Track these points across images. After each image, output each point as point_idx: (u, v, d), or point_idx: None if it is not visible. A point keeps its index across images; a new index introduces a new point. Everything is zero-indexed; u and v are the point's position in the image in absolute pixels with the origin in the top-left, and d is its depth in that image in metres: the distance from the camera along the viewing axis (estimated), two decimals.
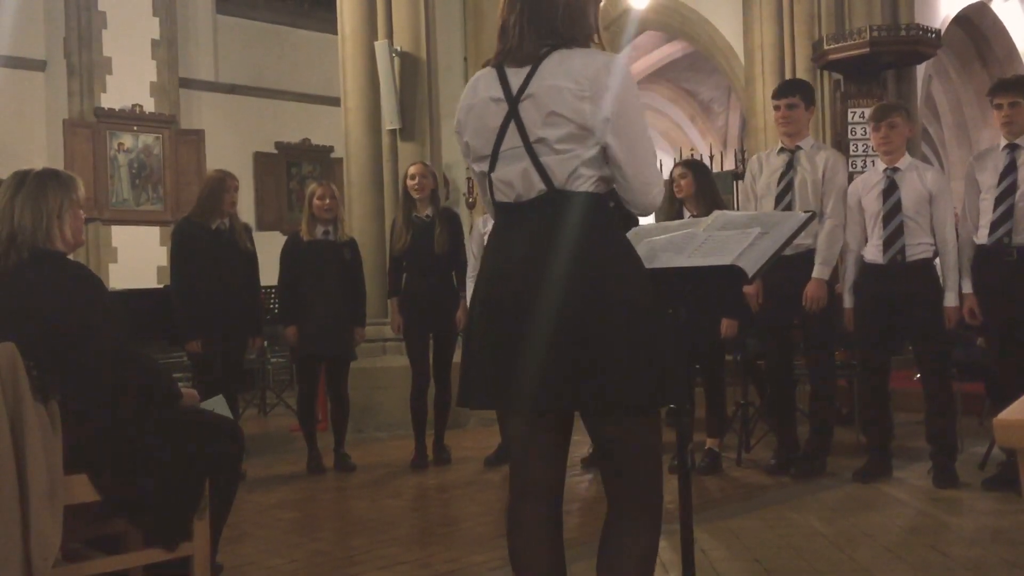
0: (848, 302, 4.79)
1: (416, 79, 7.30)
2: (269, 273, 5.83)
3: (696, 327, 4.80)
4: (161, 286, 8.86)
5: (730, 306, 5.03)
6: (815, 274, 4.73)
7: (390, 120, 7.23)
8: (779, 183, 4.86)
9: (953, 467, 4.56)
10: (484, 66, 2.21)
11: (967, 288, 4.53)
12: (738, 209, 7.77)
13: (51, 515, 2.53)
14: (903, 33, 8.11)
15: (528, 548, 2.15)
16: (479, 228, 5.57)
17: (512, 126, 2.09)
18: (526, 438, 2.18)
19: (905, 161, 4.70)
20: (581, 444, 5.50)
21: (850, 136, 8.12)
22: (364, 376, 6.71)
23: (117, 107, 10.79)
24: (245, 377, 7.34)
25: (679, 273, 2.35)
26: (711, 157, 9.78)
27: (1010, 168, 4.40)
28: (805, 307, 4.73)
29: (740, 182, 8.25)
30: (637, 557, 2.08)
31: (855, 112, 8.10)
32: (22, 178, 2.87)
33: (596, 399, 2.03)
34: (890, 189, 4.65)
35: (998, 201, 4.39)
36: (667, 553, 3.32)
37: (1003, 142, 4.48)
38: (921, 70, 9.13)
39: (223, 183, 5.39)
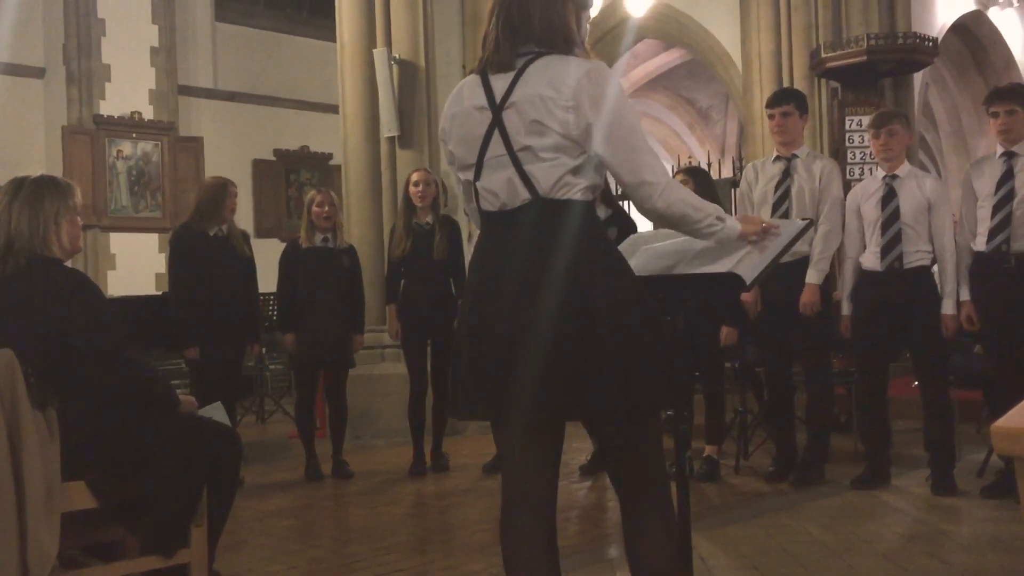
0: (846, 309, 4.80)
1: (414, 87, 7.31)
2: (267, 280, 5.83)
3: (695, 334, 4.83)
4: (159, 293, 8.86)
5: (729, 314, 5.03)
6: (808, 279, 4.73)
7: (388, 127, 7.24)
8: (776, 191, 4.87)
9: (951, 475, 4.56)
10: (470, 73, 2.21)
11: (965, 295, 4.54)
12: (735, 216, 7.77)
13: (48, 522, 2.53)
14: (900, 41, 8.12)
15: (522, 556, 2.15)
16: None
17: (496, 134, 2.09)
18: (517, 447, 2.18)
19: (904, 169, 4.71)
20: (579, 451, 5.50)
21: (848, 144, 8.13)
22: (362, 383, 6.70)
23: (116, 114, 10.80)
24: (243, 384, 7.32)
25: (677, 281, 2.35)
26: (708, 164, 9.79)
27: (1007, 176, 4.41)
28: (800, 312, 4.74)
29: (737, 190, 8.25)
30: (659, 554, 2.11)
31: (852, 120, 8.11)
32: (19, 184, 2.87)
33: (581, 408, 2.04)
34: (889, 196, 4.66)
35: (996, 209, 4.40)
36: None
37: (1000, 150, 4.49)
38: (918, 78, 9.15)
39: (224, 190, 5.39)
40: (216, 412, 3.21)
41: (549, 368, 2.00)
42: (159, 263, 10.58)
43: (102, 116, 10.70)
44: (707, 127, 15.86)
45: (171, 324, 5.35)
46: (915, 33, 8.29)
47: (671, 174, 5.86)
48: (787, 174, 4.87)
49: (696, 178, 5.28)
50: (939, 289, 4.63)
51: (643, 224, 5.10)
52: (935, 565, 3.41)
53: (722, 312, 5.05)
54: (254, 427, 8.17)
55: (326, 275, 5.56)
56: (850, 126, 8.13)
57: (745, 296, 4.75)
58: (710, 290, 2.56)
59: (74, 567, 2.79)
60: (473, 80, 2.17)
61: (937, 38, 8.88)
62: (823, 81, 8.37)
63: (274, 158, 12.31)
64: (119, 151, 10.89)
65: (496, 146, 2.09)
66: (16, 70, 10.30)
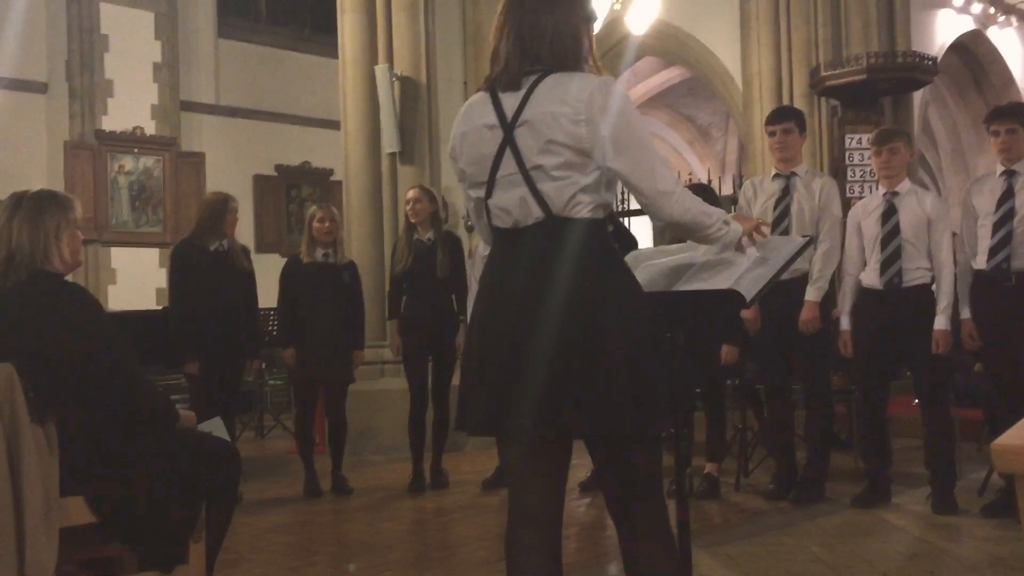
0: (844, 324, 4.78)
1: (416, 103, 7.34)
2: (268, 295, 5.84)
3: (695, 351, 4.83)
4: (160, 308, 8.86)
5: (730, 332, 5.04)
6: (808, 296, 4.74)
7: (390, 144, 7.25)
8: (776, 209, 4.88)
9: (952, 493, 4.54)
10: (477, 91, 2.21)
11: (965, 314, 4.54)
12: None
13: (46, 537, 2.52)
14: (900, 60, 8.17)
15: (526, 572, 2.14)
16: (480, 252, 5.58)
17: (508, 153, 2.09)
18: (524, 464, 2.18)
19: (905, 186, 4.72)
20: (579, 468, 5.49)
21: (847, 162, 8.16)
22: (362, 399, 6.69)
23: (118, 129, 10.83)
24: (243, 399, 7.32)
25: (677, 297, 2.36)
26: (709, 182, 9.81)
27: (1008, 194, 4.42)
28: (800, 330, 4.74)
29: (737, 206, 8.27)
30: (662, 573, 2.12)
31: (852, 138, 8.14)
32: (19, 199, 2.87)
33: (589, 427, 2.04)
34: (889, 212, 4.67)
35: (996, 227, 4.41)
36: None
37: (1000, 168, 4.50)
38: (918, 97, 9.19)
39: (225, 205, 5.40)
40: (215, 427, 3.20)
41: (559, 386, 2.01)
42: (160, 278, 10.58)
43: (104, 131, 10.73)
44: (707, 144, 15.91)
45: (171, 339, 5.35)
46: (915, 52, 8.34)
47: None
48: (787, 192, 4.88)
49: (697, 195, 5.28)
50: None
51: (643, 241, 5.12)
52: None
53: (722, 330, 5.05)
54: (253, 442, 8.15)
55: (326, 290, 5.56)
56: (850, 144, 8.16)
57: (746, 313, 4.75)
58: (710, 307, 2.56)
59: None
60: (482, 98, 2.16)
61: (937, 57, 8.93)
62: (823, 99, 8.41)
63: (275, 174, 12.33)
64: (121, 166, 10.91)
65: (508, 164, 2.09)
66: (19, 85, 10.34)
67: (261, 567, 4.01)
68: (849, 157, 8.16)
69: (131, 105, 10.91)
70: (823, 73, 8.15)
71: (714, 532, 4.35)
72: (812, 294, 4.74)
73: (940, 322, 4.51)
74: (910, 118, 8.76)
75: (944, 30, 10.81)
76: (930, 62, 8.37)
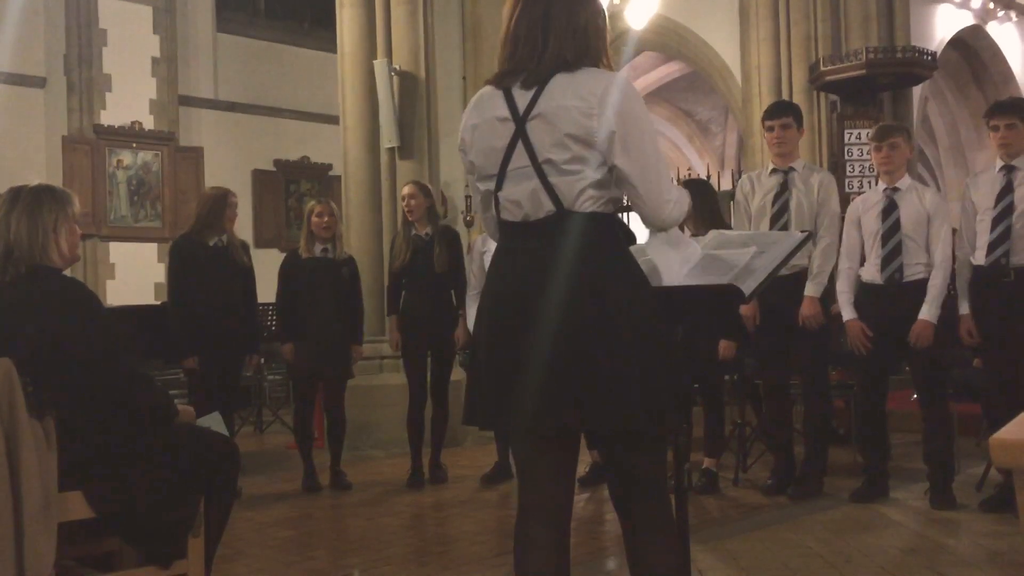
0: (848, 315, 4.73)
1: (415, 98, 7.33)
2: (267, 290, 5.83)
3: (694, 346, 4.84)
4: (158, 303, 8.86)
5: (728, 327, 5.04)
6: (808, 291, 4.73)
7: (389, 138, 7.25)
8: (774, 204, 4.87)
9: (950, 488, 4.55)
10: (487, 83, 2.19)
11: (964, 309, 4.54)
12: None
13: (45, 532, 2.52)
14: (899, 55, 8.16)
15: (536, 567, 2.15)
16: (478, 247, 5.58)
17: (520, 145, 2.08)
18: (533, 458, 2.19)
19: (905, 182, 4.72)
20: (579, 463, 5.49)
21: (847, 157, 8.16)
22: (361, 394, 6.70)
23: (116, 124, 10.82)
24: (242, 394, 7.32)
25: (676, 292, 2.35)
26: (708, 176, 9.82)
27: (1007, 189, 4.42)
28: (801, 325, 4.74)
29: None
30: (664, 569, 2.12)
31: (852, 133, 8.14)
32: (17, 193, 2.87)
33: (596, 423, 2.04)
34: (890, 208, 4.66)
35: (995, 222, 4.41)
36: None
37: (999, 163, 4.50)
38: (917, 92, 9.19)
39: (224, 199, 5.40)
40: (214, 422, 3.20)
41: (568, 382, 2.01)
42: (158, 273, 10.58)
43: (102, 126, 10.71)
44: (706, 139, 15.90)
45: (170, 334, 5.35)
46: (914, 47, 8.33)
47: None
48: (785, 187, 4.88)
49: (692, 191, 5.28)
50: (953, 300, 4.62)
51: (640, 235, 5.12)
52: None
53: (720, 325, 5.05)
54: (252, 437, 8.15)
55: (325, 285, 5.56)
56: (849, 139, 8.16)
57: (745, 308, 4.75)
58: (709, 302, 2.56)
59: None
60: (493, 91, 2.15)
61: (936, 52, 8.92)
62: (822, 94, 8.41)
63: (274, 168, 12.32)
64: (119, 161, 10.90)
65: (520, 157, 2.08)
66: (17, 80, 10.32)
67: (260, 562, 4.02)
68: (848, 152, 8.17)
69: (129, 100, 10.90)
70: (822, 68, 8.14)
71: (712, 527, 4.36)
72: (812, 289, 4.74)
73: (924, 312, 4.49)
74: (909, 113, 8.75)
75: (944, 25, 10.80)
76: (929, 57, 8.36)
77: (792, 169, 4.90)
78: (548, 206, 2.07)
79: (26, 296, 2.77)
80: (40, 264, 2.81)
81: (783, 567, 3.60)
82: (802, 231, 3.04)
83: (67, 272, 2.97)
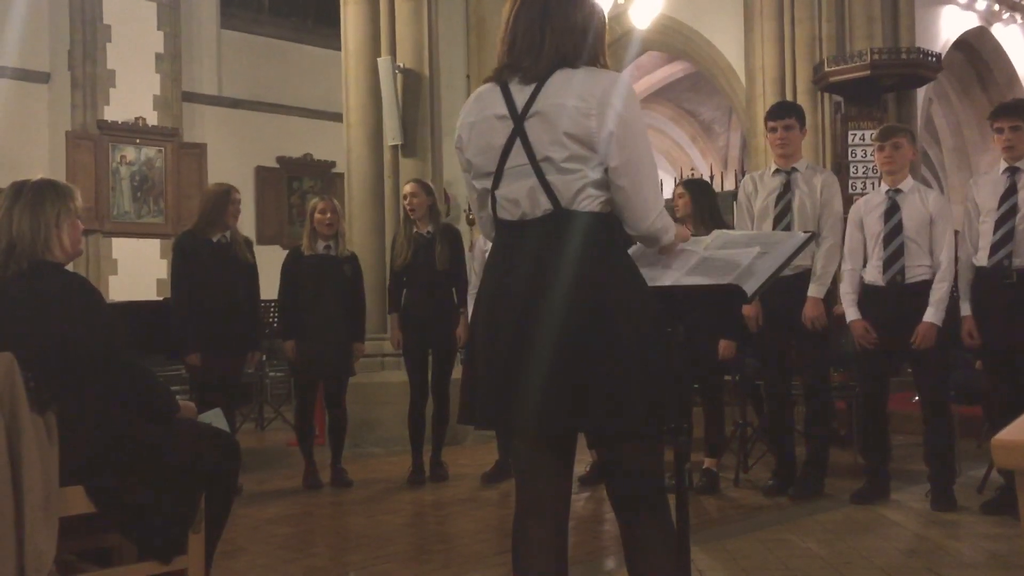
0: (852, 315, 4.72)
1: (418, 95, 7.33)
2: (269, 287, 5.84)
3: (695, 346, 4.83)
4: (161, 299, 8.86)
5: (728, 326, 5.03)
6: (811, 292, 4.73)
7: (392, 136, 7.25)
8: (777, 204, 4.87)
9: (951, 490, 4.55)
10: (486, 81, 2.19)
11: (966, 310, 4.54)
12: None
13: (46, 527, 2.52)
14: (904, 56, 8.15)
15: (532, 564, 2.15)
16: (480, 245, 5.58)
17: (518, 143, 2.07)
18: (530, 457, 2.19)
19: (908, 183, 4.71)
20: (579, 463, 5.48)
21: (850, 158, 8.15)
22: (362, 391, 6.70)
23: (120, 120, 10.83)
24: (243, 391, 7.32)
25: (678, 292, 2.35)
26: (711, 177, 9.80)
27: (1010, 191, 4.42)
28: (804, 326, 4.73)
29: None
30: (662, 570, 2.12)
31: (855, 134, 8.13)
32: (19, 188, 2.87)
33: (594, 424, 2.04)
34: (892, 210, 4.66)
35: (998, 224, 4.40)
36: None
37: (1003, 165, 4.49)
38: (921, 93, 9.17)
39: (227, 196, 5.40)
40: (215, 418, 3.21)
41: (564, 381, 2.00)
42: (161, 269, 10.59)
43: (106, 121, 10.72)
44: (710, 139, 15.89)
45: (172, 330, 5.35)
46: (919, 48, 8.32)
47: (673, 187, 5.90)
48: (788, 187, 4.87)
49: (692, 190, 5.29)
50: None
51: None
52: None
53: (720, 325, 5.05)
54: (253, 434, 8.16)
55: (327, 283, 5.56)
56: (853, 140, 8.15)
57: (747, 309, 4.74)
58: (711, 302, 2.56)
59: (71, 572, 2.78)
60: (491, 88, 2.14)
61: (940, 53, 8.91)
62: (826, 95, 8.40)
63: (277, 165, 12.33)
64: (122, 156, 10.91)
65: (518, 155, 2.08)
66: (21, 75, 10.33)
67: (260, 558, 4.02)
68: (852, 153, 8.15)
69: (133, 95, 10.90)
70: (827, 69, 8.13)
71: (713, 527, 4.36)
72: (815, 291, 4.74)
73: (929, 315, 4.49)
74: (913, 115, 8.74)
75: (948, 27, 10.78)
76: (934, 59, 8.35)
77: (795, 170, 4.89)
78: (546, 204, 2.06)
79: (28, 291, 2.77)
80: (42, 259, 2.82)
81: (783, 568, 3.59)
82: (805, 232, 3.03)
83: (69, 267, 2.98)
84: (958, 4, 10.94)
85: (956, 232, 4.75)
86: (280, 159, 12.31)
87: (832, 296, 4.98)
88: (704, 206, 5.19)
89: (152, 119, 11.08)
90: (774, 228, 4.81)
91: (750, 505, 4.81)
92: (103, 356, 2.79)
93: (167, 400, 2.95)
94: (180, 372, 6.53)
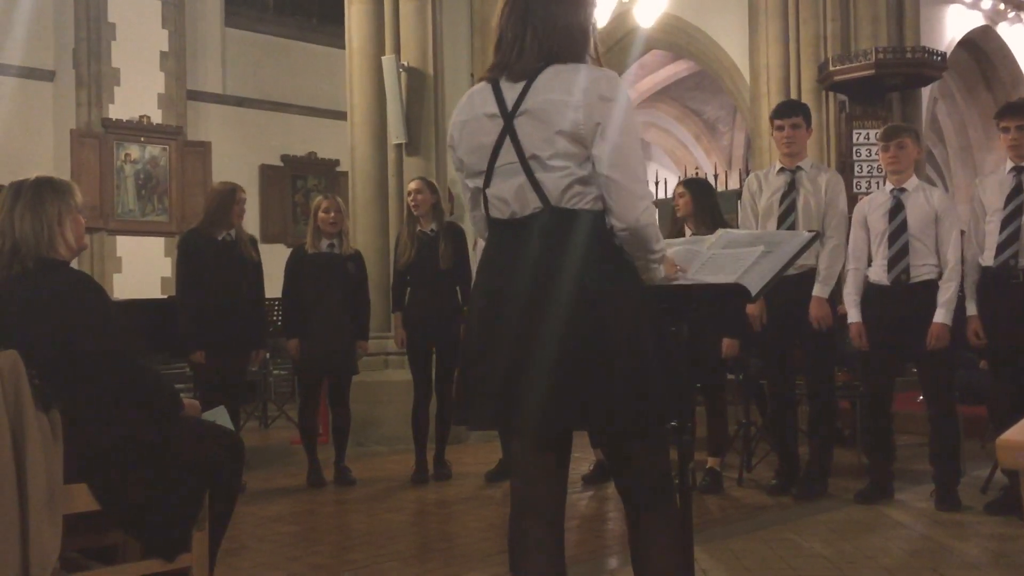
0: (854, 316, 4.73)
1: (423, 94, 7.33)
2: (273, 285, 5.84)
3: (698, 345, 4.83)
4: (165, 296, 8.87)
5: (731, 325, 5.03)
6: (816, 292, 4.72)
7: (396, 135, 7.25)
8: (781, 203, 4.86)
9: (955, 490, 4.54)
10: (479, 80, 2.20)
11: (971, 310, 4.53)
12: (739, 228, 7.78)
13: (50, 524, 2.53)
14: (909, 55, 8.13)
15: (529, 563, 2.14)
16: (483, 244, 5.57)
17: (507, 142, 2.08)
18: (526, 457, 2.18)
19: (912, 182, 4.70)
20: (582, 461, 5.49)
21: (855, 157, 8.13)
22: (366, 390, 6.70)
23: (124, 118, 10.85)
24: (247, 389, 7.33)
25: (682, 290, 2.35)
26: (715, 176, 9.79)
27: (1017, 191, 4.41)
28: (810, 326, 4.72)
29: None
30: (666, 568, 2.13)
31: (860, 133, 8.11)
32: (17, 189, 2.87)
33: (592, 422, 2.04)
34: (896, 209, 4.65)
35: (1004, 223, 4.40)
36: None
37: (1009, 165, 4.49)
38: (926, 92, 9.15)
39: (233, 195, 5.41)
40: (219, 416, 3.21)
41: (558, 381, 2.00)
42: (165, 267, 10.62)
43: (111, 120, 10.74)
44: (714, 139, 15.87)
45: (177, 328, 5.36)
46: (924, 47, 8.30)
47: (676, 185, 5.89)
48: (792, 186, 4.87)
49: (692, 190, 5.29)
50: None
51: None
52: None
53: (724, 323, 5.05)
54: (257, 432, 8.17)
55: (331, 281, 5.57)
56: (857, 139, 8.13)
57: (751, 308, 4.74)
58: (716, 300, 2.56)
59: (75, 569, 2.79)
60: (483, 87, 2.16)
61: (946, 53, 8.88)
62: (831, 94, 8.38)
63: (281, 164, 12.34)
64: (127, 155, 10.93)
65: (507, 154, 2.08)
66: (26, 73, 10.36)
67: (264, 556, 4.02)
68: (856, 152, 8.14)
69: (138, 94, 10.92)
70: (831, 68, 8.11)
71: (716, 527, 4.35)
72: (820, 291, 4.73)
73: (939, 315, 4.49)
74: (918, 114, 8.72)
75: (954, 26, 10.76)
76: (939, 58, 8.33)
77: (800, 168, 4.89)
78: (535, 203, 2.06)
79: (34, 289, 2.78)
80: (47, 258, 2.82)
81: (786, 568, 3.59)
82: (809, 231, 3.03)
83: (74, 264, 2.98)
84: (963, 3, 10.92)
85: (962, 232, 4.74)
86: (284, 157, 12.33)
87: (836, 295, 4.98)
88: (705, 205, 5.19)
89: (156, 117, 11.10)
90: (778, 227, 4.80)
91: (753, 505, 4.80)
92: (108, 354, 2.79)
93: (171, 398, 2.96)
94: (184, 370, 6.55)
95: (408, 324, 5.63)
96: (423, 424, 5.63)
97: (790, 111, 4.97)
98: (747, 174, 9.96)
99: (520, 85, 2.08)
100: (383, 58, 7.25)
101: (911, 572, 3.51)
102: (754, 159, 9.52)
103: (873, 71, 7.91)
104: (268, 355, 7.34)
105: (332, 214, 5.58)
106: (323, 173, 12.59)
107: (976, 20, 11.32)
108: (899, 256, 4.59)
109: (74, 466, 2.64)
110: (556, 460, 2.18)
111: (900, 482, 4.89)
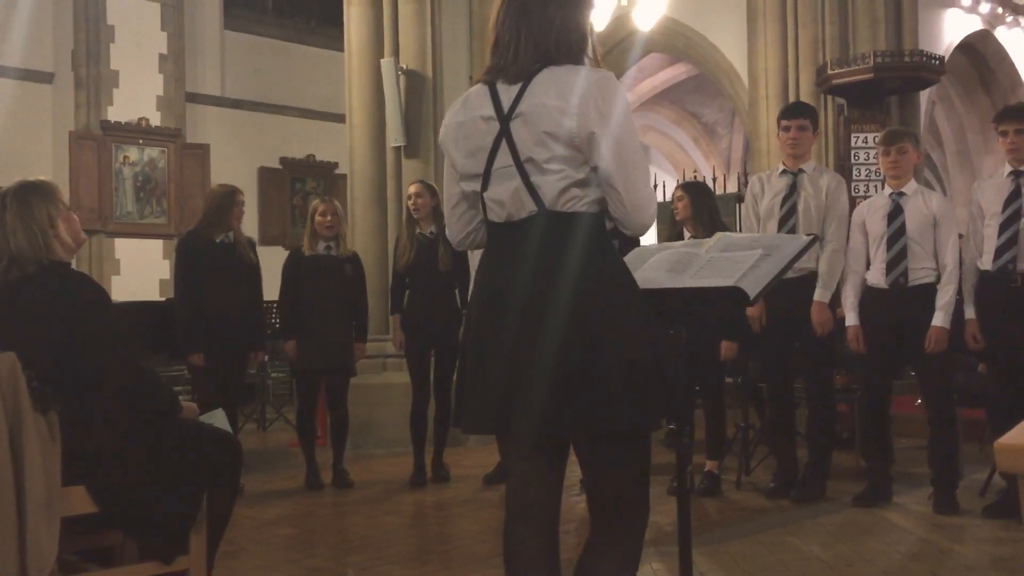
0: (852, 320, 4.75)
1: (421, 97, 7.33)
2: (271, 288, 5.84)
3: (697, 348, 4.83)
4: (163, 299, 8.87)
5: (729, 328, 5.03)
6: (817, 297, 4.73)
7: (395, 137, 7.25)
8: (782, 206, 4.86)
9: (954, 493, 4.54)
10: (477, 81, 2.18)
11: (970, 314, 4.53)
12: (740, 230, 7.78)
13: (48, 526, 2.52)
14: (907, 59, 8.13)
15: (524, 568, 2.13)
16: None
17: (504, 144, 2.05)
18: (521, 461, 2.17)
19: (911, 186, 4.71)
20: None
21: (853, 161, 8.13)
22: (364, 392, 6.69)
23: (123, 120, 10.84)
24: (245, 391, 7.32)
25: (681, 294, 2.35)
26: (714, 179, 9.79)
27: (1015, 195, 4.41)
28: (811, 330, 4.73)
29: (742, 204, 8.25)
30: None
31: (858, 137, 8.12)
32: (1, 199, 2.85)
33: (581, 426, 2.00)
34: (895, 212, 4.66)
35: (1003, 227, 4.40)
36: None
37: (1007, 168, 4.49)
38: (924, 96, 9.15)
39: (232, 197, 5.41)
40: (217, 419, 3.21)
41: (553, 387, 1.97)
42: (163, 269, 10.61)
43: (109, 122, 10.73)
44: (712, 142, 15.87)
45: (176, 330, 5.36)
46: (922, 51, 8.30)
47: (674, 188, 5.90)
48: (794, 189, 4.87)
49: (691, 193, 5.29)
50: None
51: (644, 238, 5.12)
52: None
53: (723, 326, 5.05)
54: (255, 435, 8.16)
55: (328, 283, 5.57)
56: (856, 143, 8.14)
57: (751, 310, 4.74)
58: (714, 303, 2.56)
59: (73, 572, 2.79)
60: (480, 89, 2.13)
61: (944, 56, 8.89)
62: (829, 98, 8.38)
63: (280, 166, 12.34)
64: (125, 157, 10.92)
65: (503, 156, 2.06)
66: (25, 75, 10.35)
67: (261, 559, 4.02)
68: (855, 156, 8.13)
69: (136, 96, 10.91)
70: (830, 71, 8.11)
71: (714, 530, 4.35)
72: (821, 295, 4.74)
73: (938, 319, 4.49)
74: (916, 117, 8.72)
75: (952, 30, 10.76)
76: (937, 62, 8.33)
77: (802, 171, 4.89)
78: (530, 206, 2.04)
79: (34, 292, 2.77)
80: (47, 261, 2.81)
81: (785, 571, 3.59)
82: (808, 235, 3.04)
83: (73, 263, 2.97)
84: (962, 7, 10.92)
85: (960, 236, 4.74)
86: (283, 160, 12.32)
87: (835, 299, 4.98)
88: (704, 208, 5.19)
89: (155, 120, 11.09)
90: (779, 230, 4.80)
91: (752, 508, 4.80)
92: (106, 356, 2.79)
93: (170, 400, 2.95)
94: (183, 372, 6.53)
95: (407, 327, 5.63)
96: (421, 426, 5.63)
97: (798, 112, 4.98)
98: (745, 177, 9.97)
99: (516, 87, 2.05)
100: (382, 61, 7.25)
101: (910, 575, 3.51)
102: (752, 162, 9.52)
103: (871, 75, 7.91)
104: (266, 357, 7.33)
105: (329, 217, 5.58)
106: (322, 176, 12.59)
107: (974, 24, 11.32)
108: (898, 259, 4.60)
109: (72, 468, 2.63)
110: (551, 466, 2.16)
111: (898, 485, 4.89)
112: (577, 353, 1.97)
